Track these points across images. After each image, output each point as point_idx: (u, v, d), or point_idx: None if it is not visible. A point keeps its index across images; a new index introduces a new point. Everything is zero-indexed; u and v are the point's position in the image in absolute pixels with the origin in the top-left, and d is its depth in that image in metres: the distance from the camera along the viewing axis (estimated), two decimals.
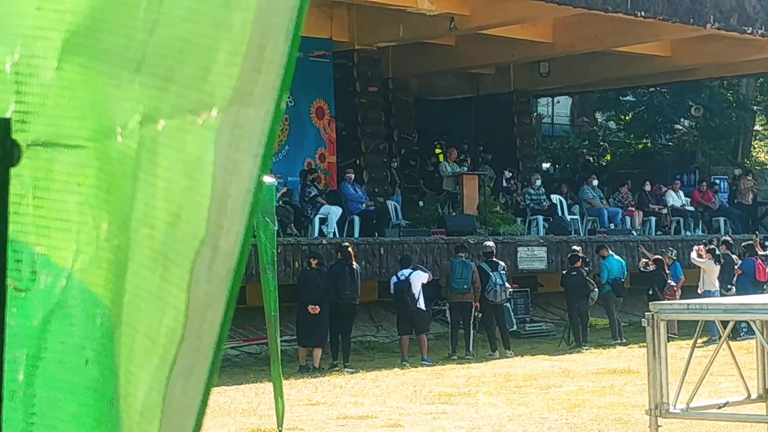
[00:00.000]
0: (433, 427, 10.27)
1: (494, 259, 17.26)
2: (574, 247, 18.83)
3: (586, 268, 18.04)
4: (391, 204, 20.78)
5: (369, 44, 21.15)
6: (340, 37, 20.92)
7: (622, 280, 18.93)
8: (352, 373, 14.81)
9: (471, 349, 16.74)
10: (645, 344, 8.10)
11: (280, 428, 9.60)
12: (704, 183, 25.74)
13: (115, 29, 1.10)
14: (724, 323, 8.67)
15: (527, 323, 19.85)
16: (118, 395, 1.13)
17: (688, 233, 23.55)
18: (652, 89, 29.85)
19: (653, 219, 23.58)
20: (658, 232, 23.42)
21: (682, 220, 23.91)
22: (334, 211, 18.65)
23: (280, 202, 17.33)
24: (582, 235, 21.91)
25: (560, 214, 22.17)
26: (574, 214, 22.69)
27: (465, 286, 16.63)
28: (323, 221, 18.56)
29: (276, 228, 10.78)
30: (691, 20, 19.57)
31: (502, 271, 17.06)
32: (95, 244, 1.15)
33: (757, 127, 34.15)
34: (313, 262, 15.30)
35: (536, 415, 10.73)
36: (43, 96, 1.16)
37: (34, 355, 1.20)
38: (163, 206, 1.07)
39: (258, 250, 9.81)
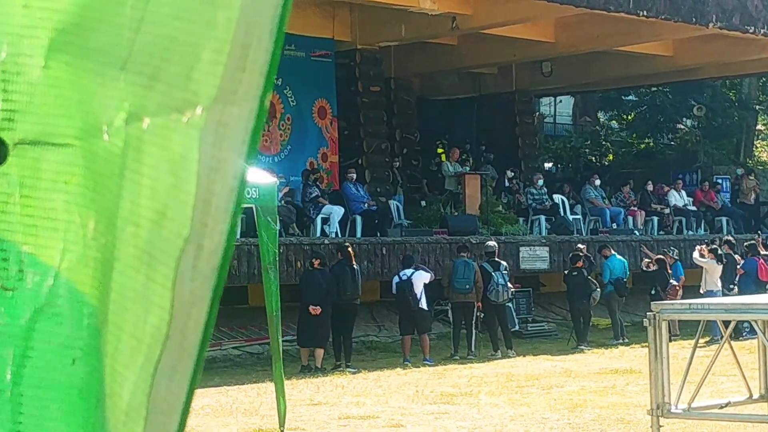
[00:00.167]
0: (435, 427, 10.27)
1: (496, 259, 17.26)
2: (579, 246, 18.81)
3: (587, 268, 18.03)
4: (393, 204, 20.79)
5: (371, 44, 21.16)
6: (342, 36, 20.93)
7: (625, 279, 18.93)
8: (354, 373, 14.81)
9: (473, 349, 16.74)
10: (647, 344, 8.10)
11: (281, 428, 9.60)
12: (706, 183, 25.74)
13: (101, 27, 1.10)
14: (726, 323, 8.67)
15: (529, 323, 19.85)
16: (104, 395, 1.13)
17: (690, 233, 23.54)
18: (654, 89, 29.85)
19: (655, 219, 23.57)
20: (661, 232, 23.41)
21: (684, 219, 23.91)
22: (337, 211, 18.66)
23: (282, 201, 17.34)
24: (584, 234, 21.91)
25: (562, 214, 22.17)
26: (577, 214, 22.69)
27: (467, 286, 16.63)
28: (325, 221, 18.56)
29: (278, 228, 10.79)
30: (693, 20, 19.57)
31: (504, 271, 17.06)
32: (82, 243, 1.15)
33: (759, 127, 34.14)
34: (316, 263, 15.31)
35: (538, 415, 10.73)
36: (30, 94, 1.16)
37: (22, 355, 1.20)
38: (149, 205, 1.07)
39: (260, 249, 9.81)
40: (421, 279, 15.98)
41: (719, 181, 26.71)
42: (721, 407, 8.36)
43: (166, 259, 1.05)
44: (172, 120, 1.05)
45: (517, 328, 19.07)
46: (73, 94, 1.13)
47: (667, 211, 23.86)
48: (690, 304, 8.78)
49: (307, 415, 11.14)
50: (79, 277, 1.16)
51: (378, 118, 21.96)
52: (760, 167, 31.12)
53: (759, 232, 23.13)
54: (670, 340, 8.78)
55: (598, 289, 17.97)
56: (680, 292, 18.27)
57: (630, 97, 32.00)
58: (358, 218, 19.22)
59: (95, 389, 1.14)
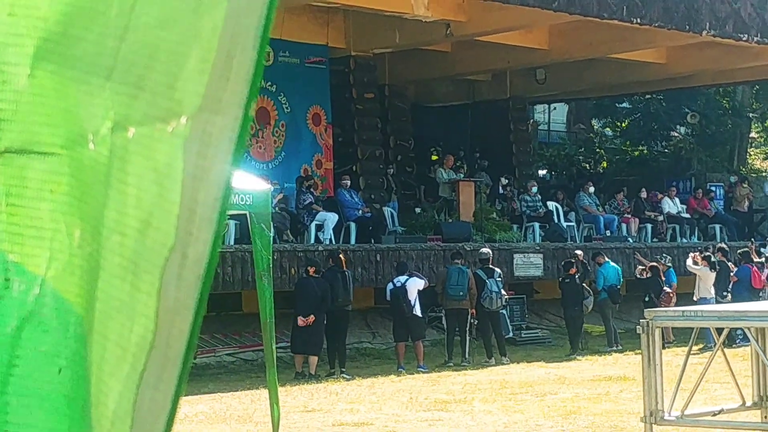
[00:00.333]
0: None
1: (490, 265, 17.26)
2: (577, 252, 18.80)
3: (579, 275, 18.02)
4: (387, 210, 20.79)
5: (365, 50, 21.17)
6: (336, 43, 20.95)
7: (618, 287, 18.93)
8: (348, 379, 14.80)
9: (467, 356, 16.73)
10: (640, 351, 8.11)
11: None
12: (700, 190, 25.78)
13: (86, 36, 1.10)
14: (719, 330, 8.68)
15: (523, 330, 19.85)
16: (90, 403, 1.13)
17: (683, 240, 23.57)
18: (648, 96, 29.90)
19: (649, 226, 23.59)
20: (654, 239, 23.44)
21: (677, 227, 23.93)
22: (331, 218, 18.66)
23: (276, 208, 17.30)
24: (578, 242, 21.92)
25: (556, 221, 22.19)
26: (570, 221, 22.71)
27: (461, 293, 16.63)
28: (319, 228, 18.56)
29: (272, 234, 10.77)
30: (687, 27, 19.61)
31: (498, 278, 17.06)
32: (68, 252, 1.15)
33: (752, 135, 34.21)
34: (311, 270, 15.29)
35: (532, 422, 10.73)
36: (16, 103, 1.16)
37: (8, 363, 1.20)
38: (134, 214, 1.07)
39: (254, 256, 9.80)
40: (415, 286, 15.98)
41: (713, 188, 26.75)
42: (714, 414, 8.36)
43: (150, 267, 1.05)
44: (157, 129, 1.05)
45: (511, 335, 19.06)
46: (58, 103, 1.13)
47: (660, 218, 23.88)
48: (683, 311, 8.79)
49: (301, 422, 11.13)
50: (65, 286, 1.16)
51: (372, 125, 21.97)
52: (754, 175, 31.18)
53: (752, 239, 23.15)
54: (664, 347, 8.79)
55: (591, 297, 17.97)
56: (674, 299, 18.28)
57: (624, 105, 32.04)
58: (353, 225, 19.21)
59: (81, 397, 1.14)
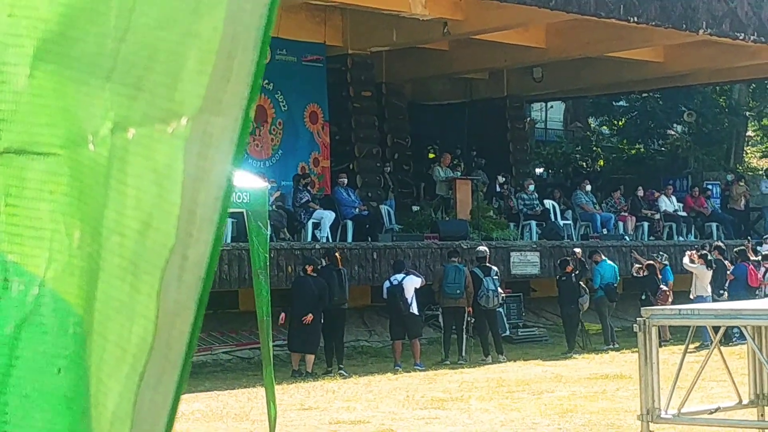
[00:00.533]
0: None
1: (487, 264, 17.27)
2: (576, 250, 18.79)
3: (576, 273, 18.03)
4: (384, 209, 20.79)
5: (362, 49, 21.17)
6: (333, 41, 20.94)
7: (615, 285, 18.95)
8: (344, 378, 14.80)
9: (464, 354, 16.74)
10: (637, 349, 8.11)
11: None
12: (696, 188, 25.80)
13: (86, 37, 1.10)
14: (716, 329, 8.69)
15: (520, 328, 19.87)
16: (89, 404, 1.13)
17: (680, 238, 23.59)
18: (645, 95, 29.92)
19: (646, 224, 23.61)
20: (651, 238, 23.46)
21: (674, 225, 23.95)
22: (328, 216, 18.66)
23: (273, 206, 17.31)
24: (575, 240, 21.93)
25: (553, 219, 22.20)
26: (567, 219, 22.72)
27: (458, 291, 16.64)
28: (316, 226, 18.56)
29: (269, 232, 10.76)
30: (684, 26, 19.62)
31: (494, 276, 17.07)
32: (68, 252, 1.15)
33: (749, 133, 34.24)
34: (309, 269, 15.29)
35: (528, 421, 10.73)
36: (15, 103, 1.16)
37: (7, 364, 1.20)
38: (134, 215, 1.07)
39: (251, 254, 9.79)
40: (411, 284, 15.98)
41: (709, 186, 26.77)
42: (711, 413, 8.37)
43: (151, 269, 1.05)
44: (157, 130, 1.04)
45: (507, 333, 19.07)
46: (58, 104, 1.13)
47: (657, 216, 23.90)
48: (680, 309, 8.80)
49: (298, 420, 11.13)
50: (65, 287, 1.16)
51: (369, 123, 21.96)
52: (750, 173, 31.19)
53: (749, 237, 23.18)
54: (660, 346, 8.80)
55: (586, 295, 17.97)
56: (670, 298, 18.30)
57: (621, 103, 32.06)
58: (349, 223, 19.21)
59: (80, 399, 1.14)
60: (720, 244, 20.58)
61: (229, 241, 16.08)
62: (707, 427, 8.71)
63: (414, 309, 15.97)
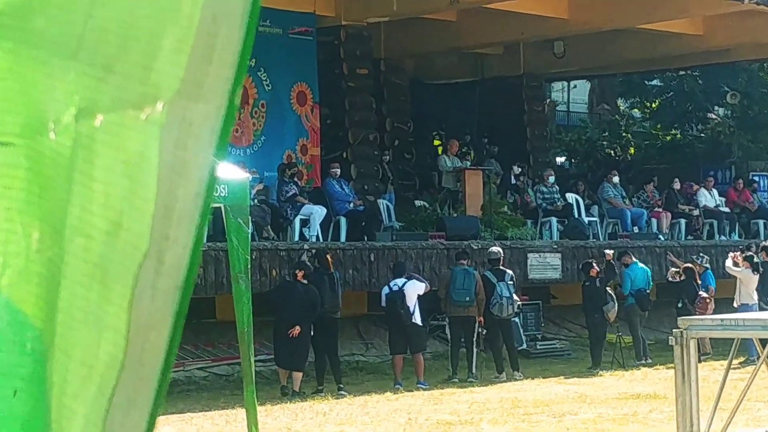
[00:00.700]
0: None
1: (501, 267, 17.29)
2: (607, 252, 18.75)
3: (601, 277, 18.02)
4: (382, 203, 20.81)
5: (358, 20, 21.16)
6: (324, 11, 20.93)
7: (648, 291, 18.97)
8: (337, 397, 14.82)
9: (474, 370, 16.76)
10: (673, 365, 8.12)
11: None
12: (741, 180, 25.81)
13: (47, 10, 1.10)
14: (763, 341, 8.70)
15: (538, 341, 19.89)
16: (50, 430, 1.13)
17: (722, 238, 23.60)
18: (681, 72, 29.91)
19: (683, 221, 23.63)
20: (689, 237, 23.48)
21: (715, 222, 23.97)
22: (317, 212, 18.67)
23: (255, 200, 17.32)
24: (602, 239, 21.96)
25: (577, 216, 22.22)
26: (593, 216, 22.75)
27: (467, 298, 16.65)
28: (305, 223, 18.57)
29: (250, 231, 10.77)
30: None
31: (509, 281, 17.09)
32: (25, 256, 1.15)
33: None
34: (299, 274, 15.30)
35: None
36: None
37: None
38: (102, 213, 1.07)
39: (229, 256, 9.80)
40: (414, 290, 16.00)
41: (755, 178, 26.78)
42: None
43: (121, 275, 1.06)
44: (128, 116, 1.05)
45: (524, 346, 19.10)
46: (15, 86, 1.13)
47: (696, 212, 23.92)
48: (722, 319, 8.81)
49: None
50: (21, 296, 1.16)
51: (365, 105, 21.97)
52: None
53: None
54: (700, 361, 8.81)
55: (612, 302, 17.93)
56: (711, 306, 18.31)
57: (654, 82, 32.06)
58: (343, 220, 19.23)
59: (40, 424, 1.14)
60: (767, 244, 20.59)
61: (204, 241, 16.09)
62: None
63: (417, 319, 15.99)
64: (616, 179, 23.88)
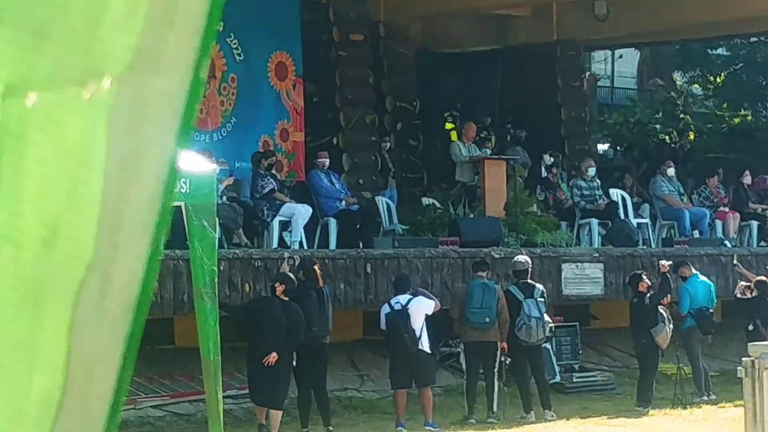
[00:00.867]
0: None
1: (529, 280, 17.30)
2: (663, 262, 18.72)
3: (653, 294, 18.02)
4: (382, 201, 20.82)
5: None
6: None
7: (711, 310, 18.98)
8: None
9: (495, 409, 16.77)
10: (742, 402, 8.14)
11: None
12: None
13: None
14: None
15: (575, 372, 19.91)
16: None
17: None
18: (753, 39, 29.94)
19: (754, 224, 23.66)
20: (762, 243, 23.50)
21: None
22: (301, 212, 18.68)
23: (224, 198, 17.33)
24: (653, 246, 21.97)
25: (623, 217, 22.24)
26: (643, 217, 22.76)
27: (487, 320, 16.66)
28: (285, 226, 18.58)
29: (217, 235, 10.80)
30: None
31: (539, 299, 17.10)
32: None
33: None
34: (279, 288, 15.31)
35: None
36: None
37: None
38: (35, 217, 1.07)
39: (191, 266, 9.83)
40: (421, 309, 16.00)
41: None
42: None
43: (59, 294, 1.05)
44: (68, 95, 1.05)
45: (558, 379, 19.11)
46: None
47: None
48: None
49: None
50: None
51: (361, 80, 21.97)
52: None
53: None
54: None
55: (662, 324, 17.87)
56: None
57: (719, 52, 32.07)
58: (332, 222, 19.24)
59: None
60: None
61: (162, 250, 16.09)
62: None
63: (424, 345, 16.00)
64: (671, 172, 23.88)
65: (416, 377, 16.10)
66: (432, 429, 15.79)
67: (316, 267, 15.98)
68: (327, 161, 20.15)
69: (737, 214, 23.64)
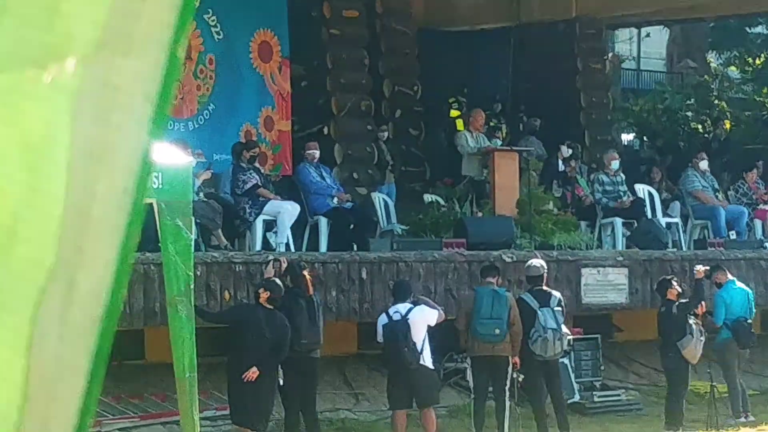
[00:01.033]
0: None
1: (544, 287, 17.31)
2: (699, 268, 18.68)
3: (683, 303, 18.00)
4: (379, 198, 20.84)
5: None
6: None
7: (749, 321, 19.00)
8: None
9: (507, 431, 16.79)
10: None
11: None
12: None
13: None
14: None
15: (597, 390, 19.93)
16: None
17: None
18: None
19: None
20: None
21: None
22: (288, 210, 18.70)
23: (201, 194, 17.34)
24: (685, 248, 22.00)
25: (650, 216, 22.26)
26: (672, 216, 22.79)
27: (497, 331, 16.68)
28: (270, 226, 18.60)
29: (194, 237, 10.80)
30: None
31: (556, 308, 17.11)
32: None
33: None
34: (263, 296, 15.29)
35: None
36: None
37: None
38: None
39: (164, 272, 9.84)
40: (423, 319, 16.02)
41: None
42: None
43: (16, 304, 1.05)
44: (26, 79, 1.04)
45: (576, 398, 19.13)
46: None
47: None
48: None
49: None
50: None
51: (355, 62, 21.99)
52: None
53: None
54: None
55: (690, 335, 17.84)
56: None
57: (758, 30, 32.11)
58: (323, 221, 19.27)
59: None
60: None
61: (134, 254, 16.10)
62: None
63: (426, 360, 16.02)
64: (705, 165, 23.90)
65: (417, 396, 16.12)
66: None
67: (305, 272, 15.98)
68: (317, 153, 20.16)
69: None
